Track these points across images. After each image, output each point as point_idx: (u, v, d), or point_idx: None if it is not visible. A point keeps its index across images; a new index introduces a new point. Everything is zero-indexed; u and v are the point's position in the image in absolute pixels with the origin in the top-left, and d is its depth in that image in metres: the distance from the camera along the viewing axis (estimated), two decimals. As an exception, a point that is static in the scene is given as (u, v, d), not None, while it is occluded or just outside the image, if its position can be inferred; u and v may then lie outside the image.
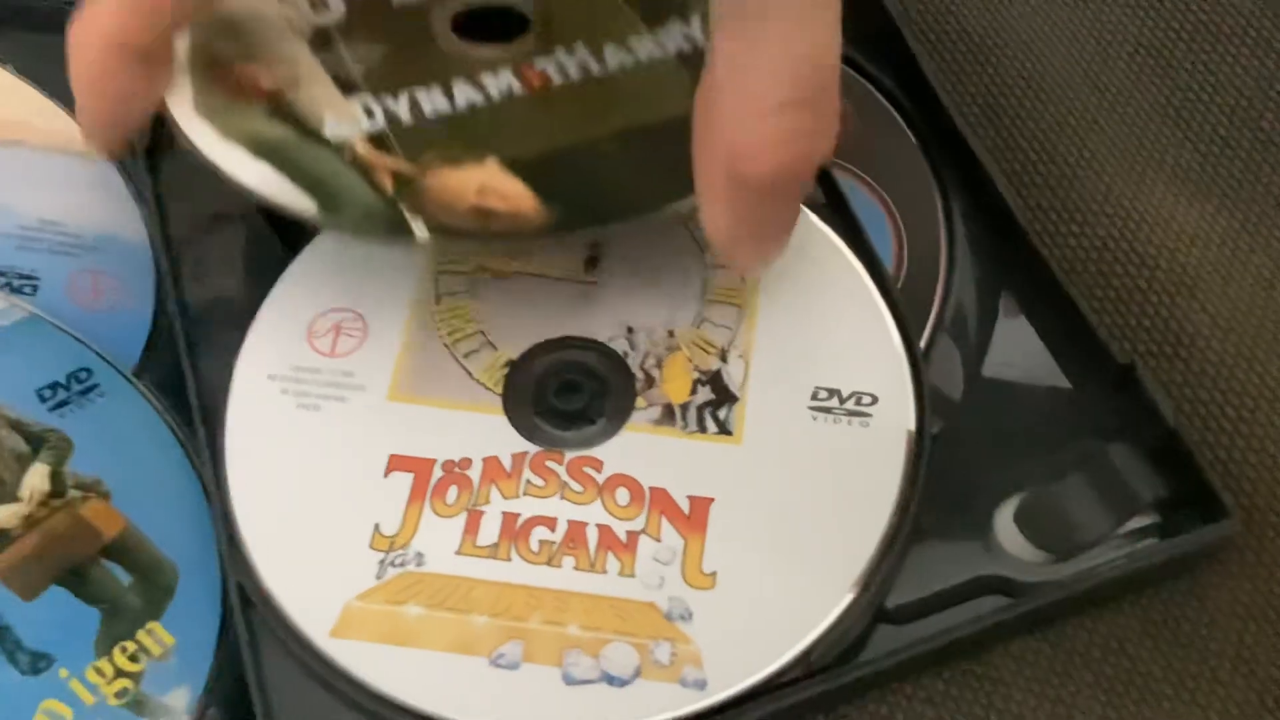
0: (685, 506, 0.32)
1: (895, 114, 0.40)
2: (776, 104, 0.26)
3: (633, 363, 0.35)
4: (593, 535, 0.32)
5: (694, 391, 0.34)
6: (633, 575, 0.32)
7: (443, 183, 0.32)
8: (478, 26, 0.36)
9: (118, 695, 0.32)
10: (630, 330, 0.35)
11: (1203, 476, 0.32)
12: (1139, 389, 0.33)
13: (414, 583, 0.32)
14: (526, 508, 0.33)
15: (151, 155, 0.39)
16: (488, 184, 0.32)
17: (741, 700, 0.30)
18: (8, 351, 0.35)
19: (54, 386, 0.35)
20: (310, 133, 0.33)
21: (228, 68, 0.34)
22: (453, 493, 0.33)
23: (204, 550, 0.33)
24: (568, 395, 0.34)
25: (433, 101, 0.34)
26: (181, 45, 0.34)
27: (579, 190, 0.33)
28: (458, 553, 0.32)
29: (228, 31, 0.35)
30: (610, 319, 0.35)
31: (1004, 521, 0.33)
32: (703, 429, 0.34)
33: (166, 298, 0.37)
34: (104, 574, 0.33)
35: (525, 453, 0.33)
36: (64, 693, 0.31)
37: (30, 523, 0.33)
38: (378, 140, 0.33)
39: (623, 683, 0.30)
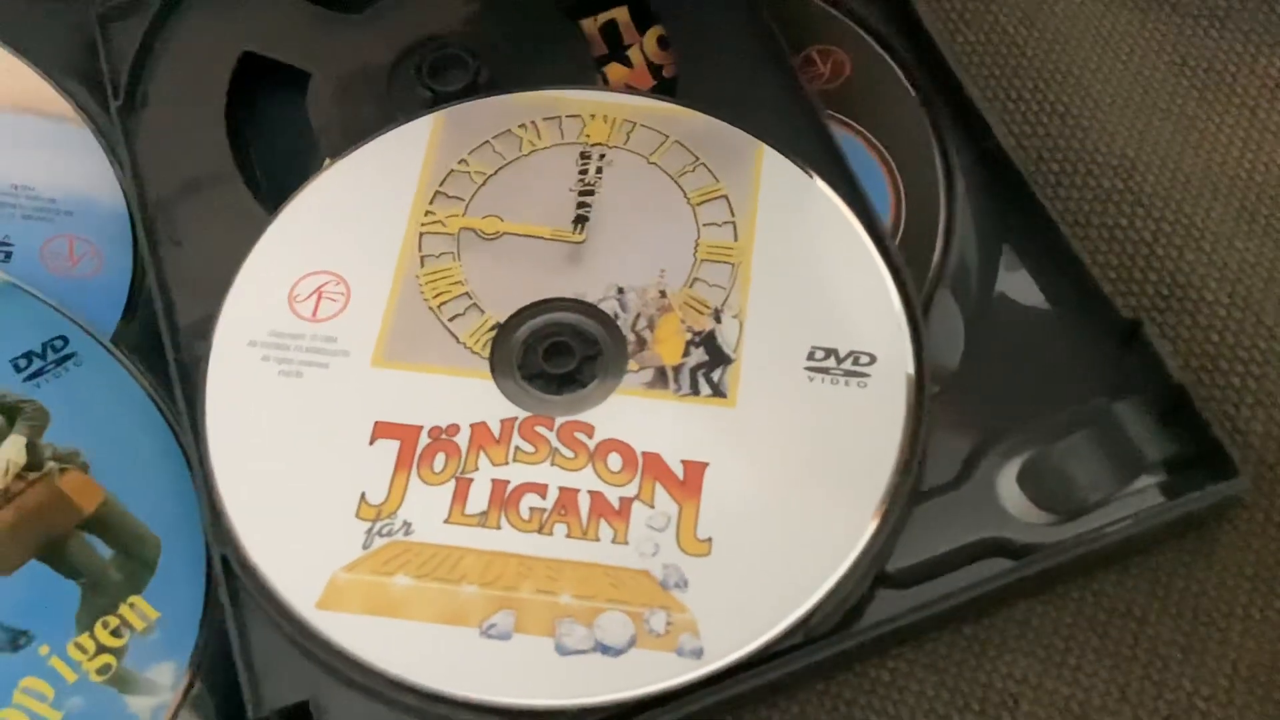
0: (679, 471, 0.32)
1: (891, 63, 0.39)
2: None
3: (623, 324, 0.34)
4: (584, 502, 0.31)
5: (687, 353, 0.33)
6: (626, 543, 0.31)
7: None
8: None
9: (100, 671, 0.31)
10: (621, 290, 0.34)
11: (1210, 434, 0.31)
12: (1145, 345, 0.33)
13: (402, 552, 0.31)
14: (516, 474, 0.32)
15: (126, 115, 0.38)
16: None
17: (740, 669, 0.29)
18: (-19, 320, 0.34)
19: (29, 356, 0.34)
20: None
21: None
22: (440, 460, 0.32)
23: (187, 522, 0.33)
24: (557, 358, 0.33)
25: None
26: None
27: None
28: (446, 521, 0.31)
29: None
30: (600, 279, 0.34)
31: (1007, 482, 0.32)
32: (696, 391, 0.33)
33: (144, 262, 0.36)
34: (84, 547, 0.32)
35: (514, 418, 0.32)
36: (44, 670, 0.31)
37: (6, 497, 0.32)
38: None
39: (617, 652, 0.30)
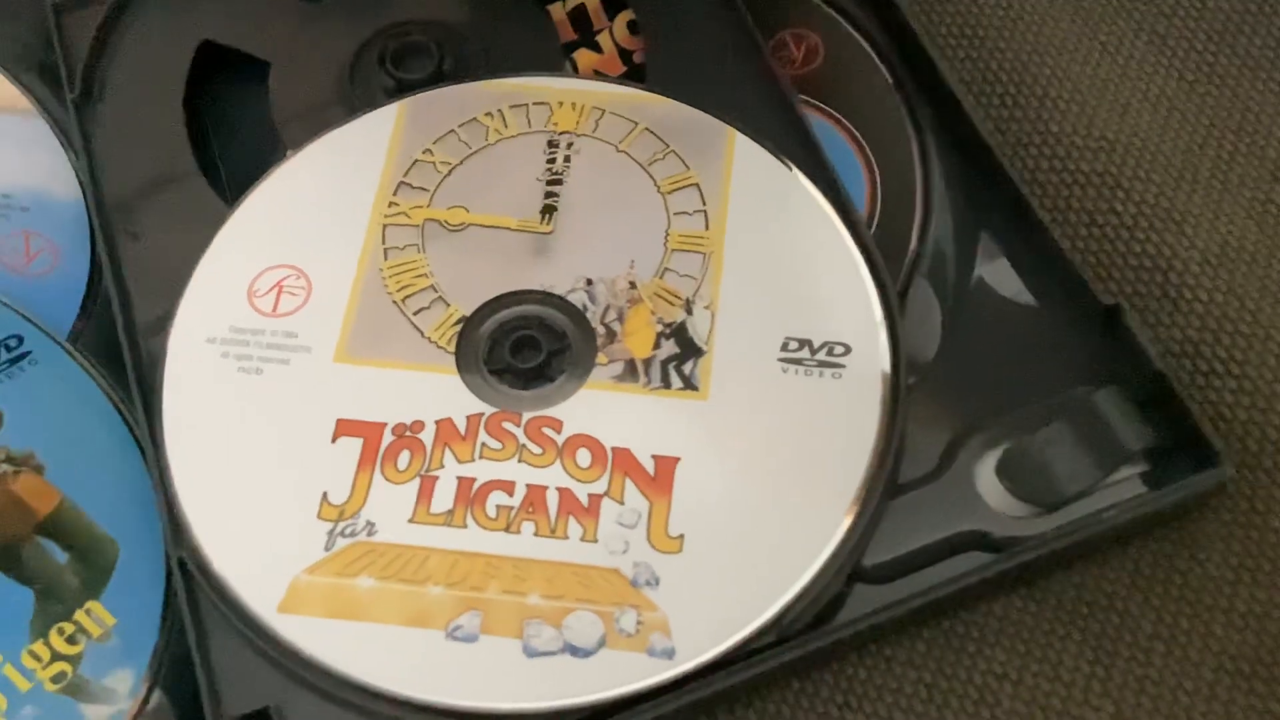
0: (650, 467, 0.31)
1: (865, 46, 0.38)
2: None
3: (592, 316, 0.33)
4: (553, 499, 0.31)
5: (657, 345, 0.32)
6: (595, 540, 0.30)
7: None
8: None
9: (55, 680, 0.30)
10: (589, 282, 0.33)
11: (1192, 422, 0.31)
12: (1125, 331, 0.32)
13: (365, 553, 0.30)
14: (483, 472, 0.31)
15: (83, 107, 0.37)
16: None
17: (712, 669, 0.29)
18: (-69, 319, 0.33)
19: (-19, 355, 0.33)
20: None
21: None
22: (404, 458, 0.31)
23: (146, 524, 0.32)
24: (524, 352, 0.33)
25: None
26: None
27: None
28: (411, 521, 0.30)
29: None
30: (568, 270, 0.34)
31: (985, 474, 0.31)
32: (667, 385, 0.32)
33: (101, 258, 0.35)
34: (39, 552, 0.31)
35: (480, 414, 0.32)
36: (-3, 679, 0.30)
37: (-42, 500, 0.31)
38: None
39: (587, 654, 0.29)
